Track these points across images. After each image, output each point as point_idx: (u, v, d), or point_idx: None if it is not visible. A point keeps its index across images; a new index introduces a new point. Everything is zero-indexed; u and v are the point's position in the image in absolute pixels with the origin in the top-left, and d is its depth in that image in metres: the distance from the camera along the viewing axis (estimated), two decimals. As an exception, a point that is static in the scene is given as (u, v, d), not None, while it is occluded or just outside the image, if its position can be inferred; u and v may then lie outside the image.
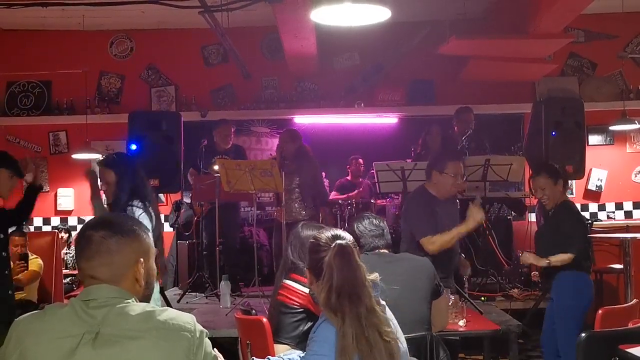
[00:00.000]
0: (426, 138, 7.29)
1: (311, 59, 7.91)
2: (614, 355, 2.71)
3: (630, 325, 3.17)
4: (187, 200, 7.78)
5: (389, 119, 8.84)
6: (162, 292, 5.75)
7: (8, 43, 8.63)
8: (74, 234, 8.00)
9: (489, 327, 4.37)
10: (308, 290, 2.87)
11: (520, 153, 8.11)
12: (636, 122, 7.63)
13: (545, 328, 4.73)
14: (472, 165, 6.19)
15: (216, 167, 6.41)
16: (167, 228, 7.24)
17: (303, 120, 8.70)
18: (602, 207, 8.58)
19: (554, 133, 6.60)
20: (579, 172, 6.79)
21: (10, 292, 4.25)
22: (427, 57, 8.11)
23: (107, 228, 1.86)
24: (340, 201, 7.43)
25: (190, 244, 7.58)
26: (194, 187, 6.97)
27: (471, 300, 5.37)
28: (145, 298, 1.93)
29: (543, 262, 4.59)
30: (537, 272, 6.11)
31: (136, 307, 1.80)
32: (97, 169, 4.29)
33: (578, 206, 5.51)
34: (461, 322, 4.10)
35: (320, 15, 4.35)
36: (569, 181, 7.27)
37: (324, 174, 7.46)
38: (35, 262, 6.17)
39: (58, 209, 8.64)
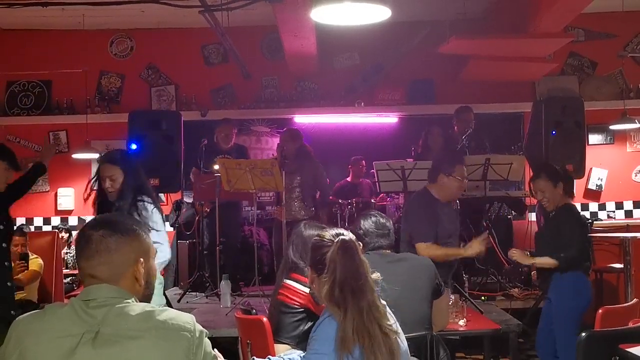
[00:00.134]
0: (427, 138, 7.29)
1: (311, 59, 7.91)
2: (614, 355, 2.71)
3: (630, 325, 3.17)
4: (187, 199, 7.78)
5: (389, 119, 8.84)
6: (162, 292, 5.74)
7: (8, 43, 8.63)
8: (74, 233, 8.00)
9: (489, 326, 4.38)
10: (308, 290, 2.87)
11: (520, 152, 8.10)
12: (636, 121, 7.63)
13: (541, 328, 4.73)
14: (472, 165, 6.18)
15: (216, 167, 6.41)
16: (167, 227, 7.23)
17: (303, 119, 8.69)
18: (602, 207, 8.58)
19: (554, 132, 6.60)
20: (579, 171, 6.79)
21: (9, 284, 4.22)
22: (427, 56, 8.10)
23: (107, 227, 1.87)
24: (340, 201, 7.42)
25: (191, 243, 7.59)
26: (195, 187, 6.97)
27: (471, 300, 5.38)
28: (146, 298, 1.93)
29: (527, 262, 4.61)
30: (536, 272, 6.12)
31: (136, 307, 1.81)
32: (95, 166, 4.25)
33: (578, 206, 5.52)
34: (461, 322, 4.11)
35: (320, 15, 4.35)
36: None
37: (324, 173, 7.45)
38: (36, 262, 6.17)
39: (58, 208, 8.64)
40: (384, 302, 2.39)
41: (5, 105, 8.70)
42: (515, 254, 4.64)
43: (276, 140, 8.10)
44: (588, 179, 8.40)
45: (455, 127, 7.23)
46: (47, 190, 8.63)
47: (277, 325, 3.06)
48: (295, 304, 3.04)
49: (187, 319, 1.82)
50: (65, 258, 7.63)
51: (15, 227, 5.27)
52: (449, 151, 6.76)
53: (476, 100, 7.98)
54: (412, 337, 2.97)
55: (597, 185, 8.52)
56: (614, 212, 8.57)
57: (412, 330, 3.04)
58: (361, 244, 2.52)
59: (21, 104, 8.72)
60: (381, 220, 3.45)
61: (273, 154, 8.02)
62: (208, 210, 7.03)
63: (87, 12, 7.72)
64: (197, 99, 8.67)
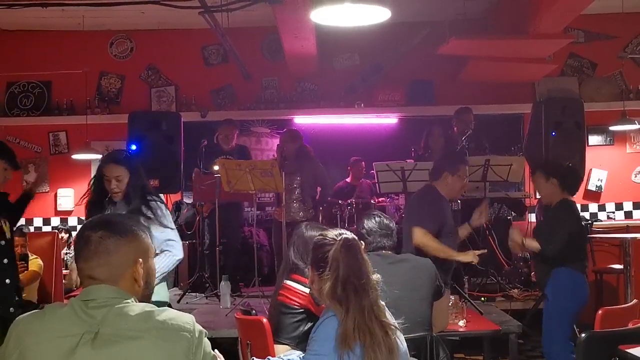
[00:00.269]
0: (427, 139, 7.29)
1: (311, 59, 7.91)
2: (614, 355, 2.72)
3: (630, 325, 3.17)
4: (187, 200, 7.79)
5: (389, 119, 8.85)
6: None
7: (8, 43, 8.63)
8: (74, 234, 8.00)
9: (489, 327, 4.38)
10: (309, 290, 2.87)
11: (520, 153, 8.10)
12: (636, 122, 7.63)
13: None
14: (472, 166, 6.17)
15: (216, 167, 6.41)
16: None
17: (303, 120, 8.70)
18: (602, 208, 8.58)
19: (553, 133, 6.60)
20: (579, 172, 6.79)
21: (7, 280, 4.20)
22: (426, 57, 8.11)
23: (105, 228, 1.86)
24: (340, 201, 7.42)
25: (190, 244, 7.59)
26: (194, 187, 6.97)
27: (471, 301, 5.38)
28: (145, 298, 1.93)
29: (518, 240, 4.72)
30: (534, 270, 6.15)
31: (135, 307, 1.81)
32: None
33: (578, 206, 5.51)
34: (461, 323, 4.11)
35: (320, 16, 4.35)
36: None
37: (325, 171, 7.44)
38: (35, 263, 6.17)
39: (58, 209, 8.64)
40: (383, 303, 2.39)
41: (5, 106, 8.70)
42: (514, 233, 4.79)
43: (276, 141, 8.10)
44: (588, 180, 8.41)
45: (455, 128, 7.24)
46: (47, 190, 8.63)
47: (277, 325, 3.06)
48: (295, 305, 3.04)
49: (186, 319, 1.82)
50: (65, 258, 7.62)
51: (14, 228, 5.26)
52: (453, 151, 6.78)
53: (476, 101, 7.98)
54: (412, 337, 2.97)
55: (596, 186, 8.52)
56: (613, 213, 8.58)
57: (412, 331, 3.04)
58: (363, 244, 2.52)
59: (21, 105, 8.72)
60: (384, 220, 3.45)
61: (273, 155, 8.03)
62: (208, 211, 7.04)
63: (87, 13, 7.72)
64: (197, 99, 8.67)
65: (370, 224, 3.44)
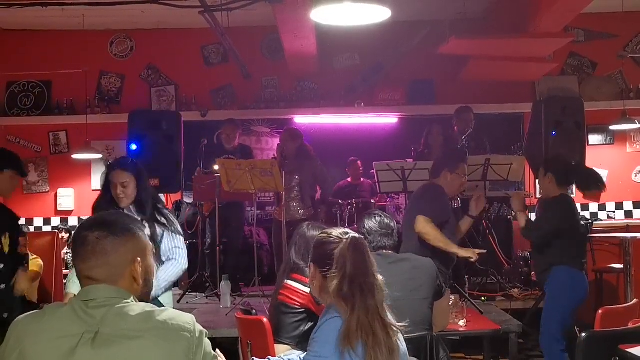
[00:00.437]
0: (427, 137, 7.30)
1: (311, 59, 7.91)
2: (614, 355, 2.72)
3: (630, 325, 3.17)
4: (187, 200, 7.79)
5: (389, 119, 8.85)
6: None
7: (8, 43, 8.62)
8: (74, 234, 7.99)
9: (489, 327, 4.39)
10: (309, 290, 2.87)
11: (520, 153, 8.11)
12: (636, 121, 7.62)
13: None
14: (472, 165, 6.18)
15: (216, 167, 6.42)
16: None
17: (303, 120, 8.70)
18: (602, 207, 8.57)
19: (554, 133, 6.60)
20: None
21: (2, 286, 4.20)
22: (427, 57, 8.10)
23: (102, 228, 1.86)
24: (340, 201, 7.43)
25: (191, 243, 7.58)
26: (195, 187, 6.98)
27: (471, 300, 5.38)
28: (145, 296, 1.93)
29: (517, 208, 4.89)
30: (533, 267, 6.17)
31: (135, 307, 1.80)
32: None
33: (578, 206, 5.50)
34: (461, 322, 4.11)
35: (320, 15, 4.35)
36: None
37: (325, 169, 7.45)
38: (36, 263, 6.17)
39: (58, 209, 8.63)
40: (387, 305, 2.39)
41: (5, 106, 8.69)
42: (515, 200, 4.94)
43: (276, 141, 8.10)
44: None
45: (455, 127, 7.24)
46: (47, 190, 8.63)
47: (278, 325, 3.06)
48: (295, 304, 3.04)
49: (187, 319, 1.82)
50: (65, 258, 7.62)
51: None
52: (453, 149, 6.79)
53: (476, 100, 7.98)
54: (412, 337, 2.97)
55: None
56: (613, 212, 8.57)
57: (412, 330, 3.04)
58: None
59: (21, 105, 8.72)
60: (385, 220, 3.45)
61: (273, 155, 8.03)
62: (209, 211, 7.03)
63: (87, 13, 7.71)
64: (197, 99, 8.67)
65: (370, 223, 3.43)
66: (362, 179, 8.16)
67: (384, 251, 3.39)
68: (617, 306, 4.01)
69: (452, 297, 4.21)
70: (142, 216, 3.62)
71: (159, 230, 3.67)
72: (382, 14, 4.25)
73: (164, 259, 3.63)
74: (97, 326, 1.75)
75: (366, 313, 2.22)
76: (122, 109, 8.40)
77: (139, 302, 1.87)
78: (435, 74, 8.60)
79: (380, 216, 3.47)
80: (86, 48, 8.60)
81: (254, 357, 2.93)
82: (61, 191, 8.62)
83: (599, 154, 8.44)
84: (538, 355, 5.59)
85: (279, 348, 3.00)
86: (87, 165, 8.51)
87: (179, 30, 8.57)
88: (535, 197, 7.52)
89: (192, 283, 6.95)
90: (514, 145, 8.52)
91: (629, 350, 2.68)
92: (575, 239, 4.67)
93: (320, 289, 2.41)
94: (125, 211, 3.70)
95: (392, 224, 3.47)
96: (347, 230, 2.47)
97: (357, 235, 2.42)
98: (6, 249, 4.20)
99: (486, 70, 7.92)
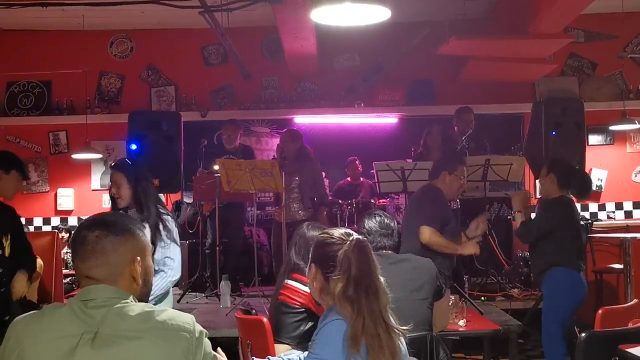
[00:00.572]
0: (427, 138, 7.30)
1: (311, 59, 7.91)
2: (614, 355, 2.71)
3: (630, 325, 3.17)
4: (187, 200, 7.79)
5: (389, 119, 8.85)
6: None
7: (8, 43, 8.63)
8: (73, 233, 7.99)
9: (489, 327, 4.38)
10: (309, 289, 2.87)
11: (520, 153, 8.11)
12: (636, 122, 7.63)
13: None
14: (472, 165, 6.19)
15: (216, 167, 6.42)
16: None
17: (303, 120, 8.70)
18: (602, 207, 8.58)
19: (554, 133, 6.60)
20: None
21: (2, 289, 4.20)
22: (427, 57, 8.11)
23: (102, 228, 1.86)
24: (340, 201, 7.43)
25: (191, 243, 7.58)
26: (195, 187, 6.98)
27: (471, 300, 5.38)
28: (144, 296, 1.93)
29: (517, 206, 4.86)
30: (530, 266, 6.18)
31: (135, 307, 1.80)
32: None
33: (578, 206, 5.50)
34: (461, 322, 4.11)
35: (320, 15, 4.35)
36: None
37: (323, 174, 7.47)
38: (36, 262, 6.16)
39: (58, 209, 8.64)
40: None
41: (5, 106, 8.69)
42: (516, 199, 4.92)
43: (276, 141, 8.10)
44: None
45: (455, 128, 7.24)
46: (46, 190, 8.63)
47: (278, 325, 3.06)
48: (296, 304, 3.04)
49: (186, 319, 1.81)
50: (65, 258, 7.62)
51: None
52: (452, 150, 6.79)
53: (476, 100, 7.98)
54: (412, 337, 2.97)
55: (597, 185, 8.52)
56: (613, 212, 8.57)
57: (413, 330, 3.04)
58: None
59: (21, 105, 8.72)
60: (385, 220, 3.44)
61: (273, 155, 8.03)
62: (209, 211, 7.03)
63: (87, 13, 7.72)
64: (197, 99, 8.67)
65: (370, 223, 3.43)
66: (361, 179, 8.16)
67: (384, 251, 3.38)
68: (617, 306, 4.01)
69: (452, 297, 4.20)
70: (142, 218, 3.62)
71: (157, 235, 3.67)
72: (382, 15, 4.25)
73: (156, 267, 3.58)
74: (97, 326, 1.74)
75: (371, 316, 2.21)
76: (122, 109, 8.40)
77: (138, 302, 1.87)
78: (435, 74, 8.60)
79: (381, 216, 3.47)
80: (86, 48, 8.61)
81: (254, 357, 2.93)
82: (61, 191, 8.63)
83: (599, 154, 8.45)
84: (538, 355, 5.60)
85: (279, 348, 3.00)
86: (87, 165, 8.52)
87: (179, 30, 8.58)
88: (535, 197, 7.52)
89: (192, 283, 6.95)
90: (514, 146, 8.52)
91: (629, 350, 2.68)
92: (573, 240, 4.65)
93: (320, 291, 2.40)
94: (129, 213, 3.70)
95: (392, 224, 3.46)
96: (347, 230, 2.46)
97: (360, 236, 2.41)
98: (7, 252, 4.19)
99: (486, 70, 7.92)
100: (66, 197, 8.64)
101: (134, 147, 6.70)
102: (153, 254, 3.57)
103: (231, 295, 6.19)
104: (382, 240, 3.39)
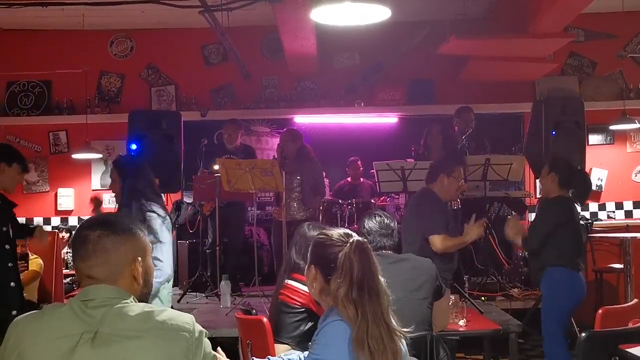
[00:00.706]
0: (427, 138, 7.30)
1: (311, 59, 7.91)
2: (614, 355, 2.71)
3: (630, 325, 3.17)
4: (187, 200, 7.79)
5: (389, 119, 8.84)
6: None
7: (8, 43, 8.63)
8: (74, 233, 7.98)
9: (489, 326, 4.38)
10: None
11: (520, 153, 8.10)
12: (636, 121, 7.63)
13: None
14: (472, 165, 6.19)
15: (216, 167, 6.42)
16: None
17: (303, 119, 8.70)
18: (602, 207, 8.58)
19: (554, 133, 6.60)
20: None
21: (12, 284, 4.24)
22: (427, 56, 8.10)
23: (103, 227, 1.86)
24: (340, 201, 7.43)
25: (191, 243, 7.59)
26: (195, 187, 6.98)
27: (471, 300, 5.38)
28: (144, 296, 1.93)
29: (509, 227, 4.86)
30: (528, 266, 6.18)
31: (135, 307, 1.80)
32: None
33: (578, 206, 5.50)
34: (461, 322, 4.11)
35: (320, 15, 4.35)
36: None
37: (323, 173, 7.47)
38: (35, 262, 6.18)
39: (58, 209, 8.64)
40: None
41: (5, 106, 8.69)
42: (509, 227, 4.87)
43: (276, 141, 8.10)
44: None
45: (456, 127, 7.24)
46: (47, 190, 8.63)
47: (278, 325, 3.06)
48: (296, 304, 3.04)
49: (186, 319, 1.81)
50: (65, 258, 7.63)
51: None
52: (450, 152, 6.79)
53: (476, 100, 7.98)
54: (412, 337, 2.96)
55: (597, 185, 8.51)
56: (613, 212, 8.57)
57: (412, 330, 3.04)
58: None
59: (21, 104, 8.72)
60: (385, 220, 3.44)
61: (273, 155, 8.03)
62: (209, 210, 7.03)
63: (86, 13, 7.72)
64: (197, 99, 8.67)
65: (370, 223, 3.43)
66: (361, 179, 8.16)
67: (384, 251, 3.38)
68: (617, 306, 4.01)
69: (452, 297, 4.20)
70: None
71: None
72: (382, 14, 4.25)
73: None
74: (97, 326, 1.75)
75: (374, 318, 2.21)
76: (122, 108, 8.40)
77: (139, 302, 1.87)
78: (435, 74, 8.60)
79: (381, 216, 3.46)
80: (86, 48, 8.60)
81: (254, 357, 2.93)
82: (61, 191, 8.63)
83: (599, 154, 8.45)
84: (538, 355, 5.60)
85: (279, 348, 3.00)
86: (87, 165, 8.52)
87: (179, 30, 8.58)
88: (535, 197, 7.52)
89: (192, 283, 6.95)
90: (514, 146, 8.52)
91: (629, 350, 2.68)
92: (571, 239, 4.65)
93: (320, 292, 2.40)
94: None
95: (392, 224, 3.46)
96: (346, 231, 2.46)
97: (360, 238, 2.40)
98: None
99: (486, 70, 7.92)
100: (66, 197, 8.64)
101: (134, 146, 6.70)
102: None
103: (231, 295, 6.19)
104: (382, 240, 3.39)
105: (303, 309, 3.03)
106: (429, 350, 3.19)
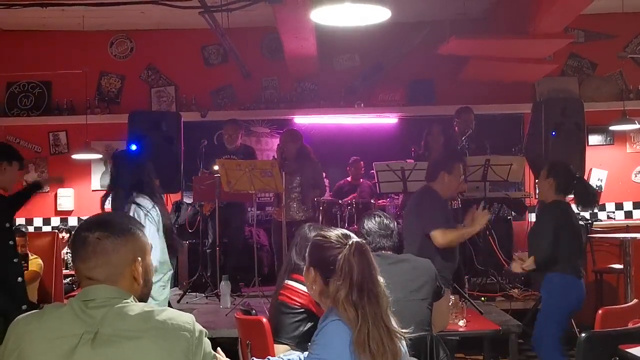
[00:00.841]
0: (427, 138, 7.30)
1: (311, 59, 7.91)
2: (614, 355, 2.71)
3: (630, 325, 3.17)
4: (187, 200, 7.79)
5: (389, 119, 8.84)
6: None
7: (8, 43, 8.63)
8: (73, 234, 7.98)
9: (489, 327, 4.39)
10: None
11: (520, 153, 8.10)
12: (636, 122, 7.63)
13: None
14: (472, 165, 6.18)
15: (216, 167, 6.42)
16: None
17: (303, 120, 8.70)
18: (602, 207, 8.57)
19: (554, 133, 6.60)
20: (579, 172, 6.79)
21: (19, 279, 4.27)
22: (427, 57, 8.10)
23: (102, 229, 1.86)
24: (340, 201, 7.43)
25: (191, 243, 7.58)
26: (194, 187, 6.98)
27: (471, 301, 5.38)
28: (145, 296, 1.93)
29: (518, 270, 4.72)
30: None
31: (135, 307, 1.80)
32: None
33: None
34: (461, 322, 4.11)
35: (320, 16, 4.35)
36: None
37: (323, 174, 7.47)
38: (35, 262, 6.17)
39: (58, 209, 8.64)
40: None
41: (5, 106, 8.69)
42: (516, 267, 4.76)
43: (276, 141, 8.10)
44: (588, 180, 8.40)
45: (456, 128, 7.24)
46: (46, 190, 8.62)
47: (277, 325, 3.06)
48: (296, 304, 3.04)
49: (186, 319, 1.82)
50: (65, 258, 7.63)
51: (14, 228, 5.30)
52: (450, 150, 6.79)
53: (476, 101, 7.97)
54: (412, 338, 2.96)
55: (597, 186, 8.51)
56: (613, 212, 8.57)
57: (412, 331, 3.04)
58: None
59: (21, 105, 8.72)
60: (385, 221, 3.43)
61: (273, 155, 8.03)
62: (209, 211, 7.03)
63: (86, 13, 7.72)
64: (197, 99, 8.67)
65: (370, 224, 3.42)
66: (361, 180, 8.16)
67: (384, 252, 3.38)
68: (617, 306, 4.01)
69: (452, 297, 4.20)
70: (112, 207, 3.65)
71: None
72: (382, 15, 4.25)
73: None
74: (97, 326, 1.75)
75: (374, 320, 2.21)
76: (122, 109, 8.40)
77: (139, 302, 1.87)
78: (435, 74, 8.60)
79: (380, 217, 3.46)
80: (86, 48, 8.61)
81: (254, 358, 2.93)
82: (61, 191, 8.63)
83: (598, 155, 8.45)
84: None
85: (279, 348, 3.00)
86: (87, 166, 8.52)
87: (179, 30, 8.58)
88: (535, 198, 7.51)
89: (192, 283, 6.95)
90: (514, 147, 8.52)
91: (629, 350, 2.68)
92: (570, 244, 4.62)
93: (320, 294, 2.40)
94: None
95: (391, 225, 3.46)
96: (345, 232, 2.46)
97: (359, 240, 2.40)
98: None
99: (486, 70, 7.92)
100: (66, 198, 8.64)
101: (134, 147, 6.70)
102: None
103: (231, 295, 6.19)
104: (381, 241, 3.39)
105: (303, 310, 3.03)
106: (429, 351, 3.19)
